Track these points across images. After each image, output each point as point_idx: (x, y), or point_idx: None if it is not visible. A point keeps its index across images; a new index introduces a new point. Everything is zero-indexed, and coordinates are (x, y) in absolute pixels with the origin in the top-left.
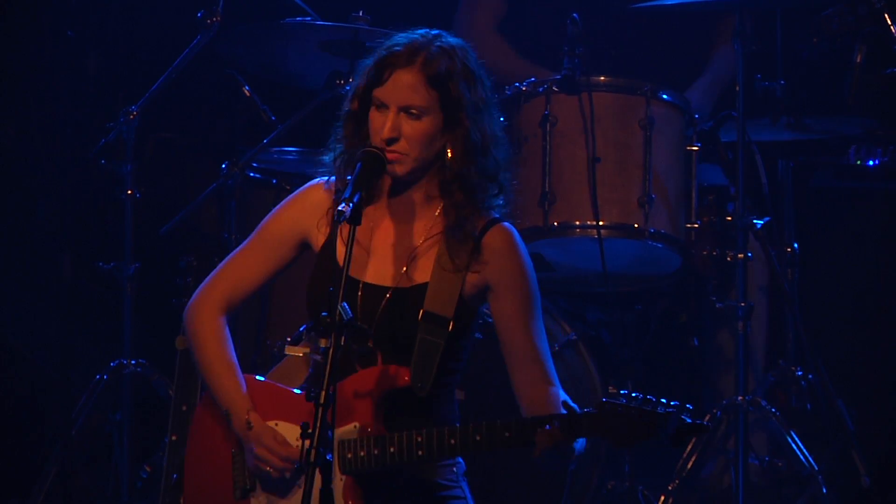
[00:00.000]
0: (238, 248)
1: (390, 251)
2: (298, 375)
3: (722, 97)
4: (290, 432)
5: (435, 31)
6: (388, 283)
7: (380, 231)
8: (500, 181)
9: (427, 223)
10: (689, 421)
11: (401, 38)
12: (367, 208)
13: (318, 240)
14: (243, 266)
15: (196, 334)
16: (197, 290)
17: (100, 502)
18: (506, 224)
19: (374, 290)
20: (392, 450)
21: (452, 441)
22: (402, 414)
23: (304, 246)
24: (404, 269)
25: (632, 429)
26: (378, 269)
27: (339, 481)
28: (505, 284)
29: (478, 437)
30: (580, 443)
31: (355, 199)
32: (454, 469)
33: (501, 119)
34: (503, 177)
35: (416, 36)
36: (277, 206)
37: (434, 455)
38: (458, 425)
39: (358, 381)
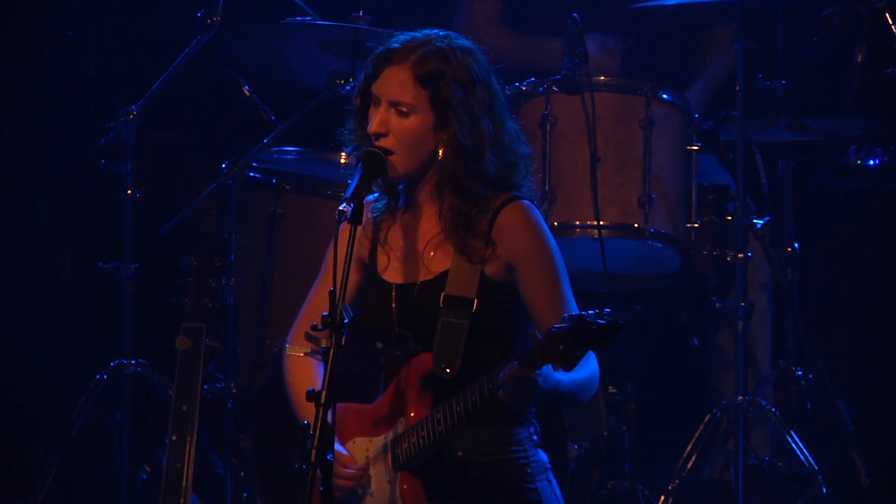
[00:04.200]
0: (315, 283)
1: (413, 249)
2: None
3: (714, 102)
4: (362, 445)
5: (442, 32)
6: (415, 279)
7: (404, 233)
8: (520, 172)
9: (437, 217)
10: (600, 323)
11: (403, 35)
12: (389, 213)
13: (365, 257)
14: (321, 299)
15: (285, 372)
16: (289, 334)
17: (100, 502)
18: (519, 201)
19: (405, 290)
20: (422, 433)
21: (458, 409)
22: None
23: (362, 264)
24: (426, 262)
25: (561, 346)
26: (406, 269)
27: (394, 478)
28: (521, 261)
29: (458, 409)
30: (550, 381)
31: (356, 200)
32: (528, 469)
33: (514, 123)
34: (521, 168)
35: (418, 34)
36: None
37: (451, 430)
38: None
39: (400, 379)
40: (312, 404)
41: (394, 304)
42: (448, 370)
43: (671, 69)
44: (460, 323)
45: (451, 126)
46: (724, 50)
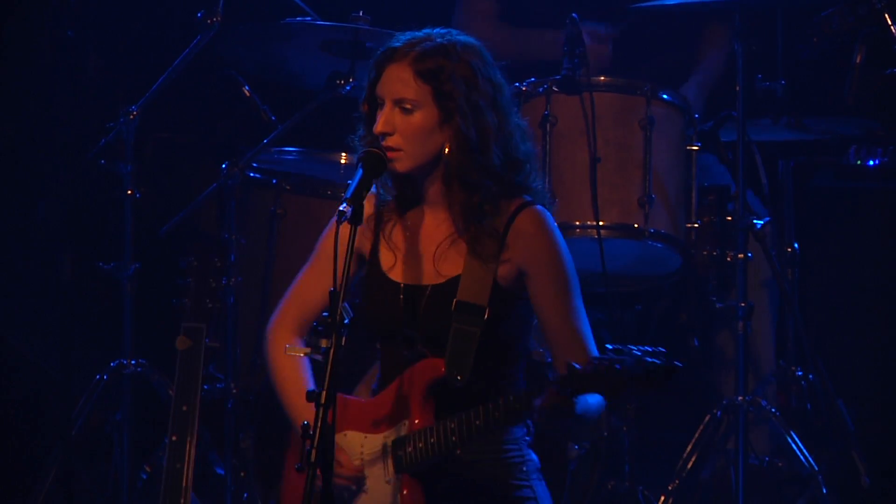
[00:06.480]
0: (302, 270)
1: (422, 250)
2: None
3: (711, 99)
4: (355, 440)
5: (442, 30)
6: (424, 281)
7: (411, 232)
8: (525, 171)
9: (449, 218)
10: (658, 363)
11: (403, 35)
12: (396, 211)
13: (366, 251)
14: (309, 287)
15: (271, 359)
16: (272, 316)
17: (100, 502)
18: (535, 207)
19: (414, 291)
20: (433, 440)
21: (478, 422)
22: (453, 407)
23: (360, 258)
24: (436, 265)
25: (613, 381)
26: (414, 270)
27: (394, 480)
28: (536, 268)
29: (477, 422)
30: (582, 405)
31: (356, 200)
32: (523, 468)
33: (519, 119)
34: (528, 167)
35: (418, 33)
36: (329, 224)
37: (465, 441)
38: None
39: (404, 380)
40: (295, 389)
41: (401, 305)
42: (459, 377)
43: (666, 65)
44: (472, 330)
45: (454, 120)
46: (720, 45)
